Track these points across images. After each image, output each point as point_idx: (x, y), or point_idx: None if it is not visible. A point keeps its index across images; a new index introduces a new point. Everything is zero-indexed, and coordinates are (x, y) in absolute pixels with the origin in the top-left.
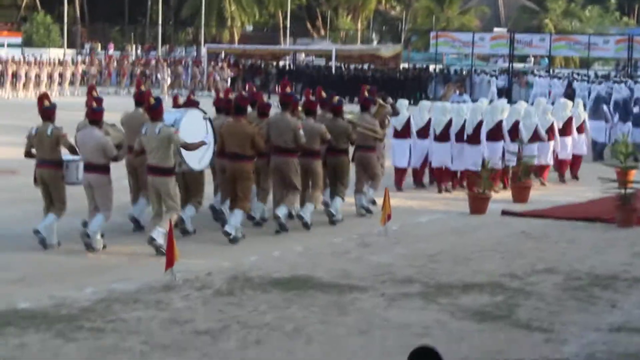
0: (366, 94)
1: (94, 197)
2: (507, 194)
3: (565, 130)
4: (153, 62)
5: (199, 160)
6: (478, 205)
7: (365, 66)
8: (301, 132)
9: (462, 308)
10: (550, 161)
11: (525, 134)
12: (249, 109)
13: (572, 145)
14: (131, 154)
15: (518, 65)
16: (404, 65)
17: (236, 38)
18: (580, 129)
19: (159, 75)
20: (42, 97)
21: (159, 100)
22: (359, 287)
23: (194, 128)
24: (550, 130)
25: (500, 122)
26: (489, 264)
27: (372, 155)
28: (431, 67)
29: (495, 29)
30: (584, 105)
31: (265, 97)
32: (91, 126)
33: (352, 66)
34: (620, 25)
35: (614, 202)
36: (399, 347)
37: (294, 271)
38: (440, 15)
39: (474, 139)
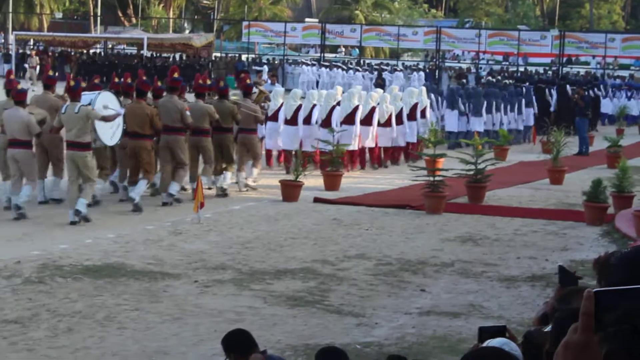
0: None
1: (18, 170)
2: (319, 182)
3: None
4: None
5: (110, 137)
6: (290, 192)
7: (177, 55)
8: (188, 112)
9: (275, 294)
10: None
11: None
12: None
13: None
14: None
15: (329, 56)
16: (216, 54)
17: (45, 25)
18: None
19: None
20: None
21: (77, 83)
22: (171, 274)
23: (108, 106)
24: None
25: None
26: (302, 251)
27: (254, 137)
28: (243, 57)
29: (307, 20)
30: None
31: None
32: (16, 106)
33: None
34: (429, 17)
35: (423, 190)
36: (212, 333)
37: (105, 259)
38: (252, 4)
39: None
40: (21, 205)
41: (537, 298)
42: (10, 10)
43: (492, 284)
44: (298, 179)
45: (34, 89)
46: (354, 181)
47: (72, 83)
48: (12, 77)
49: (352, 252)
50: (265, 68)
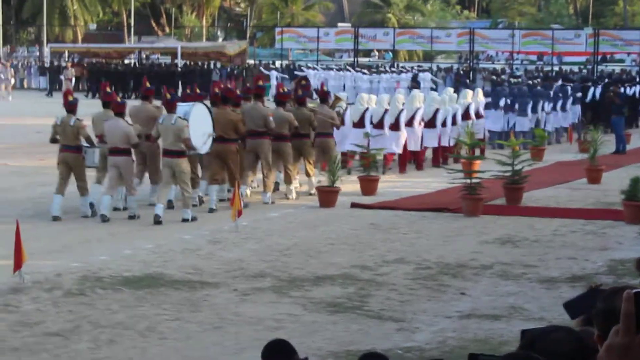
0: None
1: (117, 176)
2: (356, 187)
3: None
4: None
5: (202, 144)
6: (327, 198)
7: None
8: (271, 118)
9: (315, 300)
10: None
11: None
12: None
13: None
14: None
15: (363, 60)
16: (249, 61)
17: (79, 37)
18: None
19: (1, 75)
20: (67, 93)
21: (174, 96)
22: (211, 283)
23: (201, 118)
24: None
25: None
26: (340, 257)
27: (330, 140)
28: (277, 63)
29: (340, 24)
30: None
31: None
32: (116, 117)
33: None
34: (462, 18)
35: (460, 192)
36: (252, 341)
37: (145, 269)
38: (284, 11)
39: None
40: (106, 213)
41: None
42: (45, 22)
43: (532, 286)
44: (335, 185)
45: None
46: (391, 185)
47: (168, 96)
48: (108, 89)
49: (390, 256)
50: (274, 73)
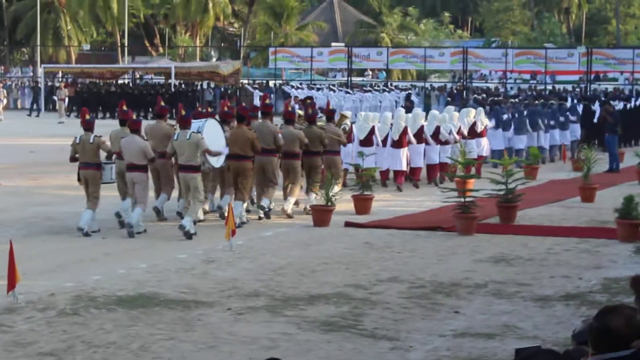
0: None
1: (134, 191)
2: (349, 206)
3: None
4: None
5: (217, 160)
6: (321, 217)
7: (205, 83)
8: (280, 136)
9: (309, 319)
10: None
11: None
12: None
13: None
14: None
15: (357, 79)
16: (243, 81)
17: (73, 57)
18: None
19: None
20: (84, 112)
21: (188, 112)
22: (205, 302)
23: (213, 133)
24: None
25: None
26: (334, 276)
27: (337, 158)
28: (271, 83)
29: (333, 44)
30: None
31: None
32: (132, 134)
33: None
34: (455, 37)
35: (454, 211)
36: None
37: (139, 289)
38: (278, 31)
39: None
40: (132, 224)
41: (571, 317)
42: (39, 43)
43: (526, 304)
44: (330, 203)
45: (62, 121)
46: (385, 204)
47: (183, 112)
48: (125, 108)
49: (384, 275)
50: (257, 92)
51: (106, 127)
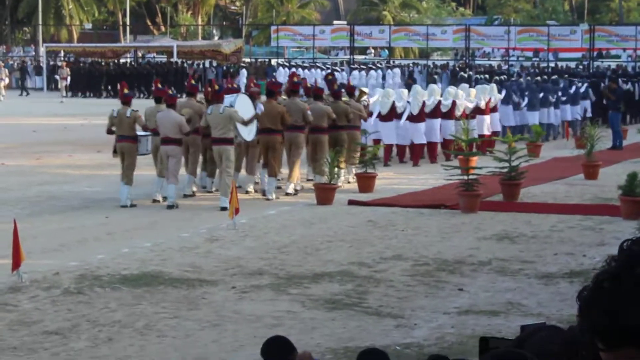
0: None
1: (167, 165)
2: (353, 184)
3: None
4: None
5: (248, 133)
6: (325, 195)
7: (207, 62)
8: (309, 112)
9: (313, 298)
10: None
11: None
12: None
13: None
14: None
15: (359, 57)
16: (245, 59)
17: (75, 37)
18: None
19: None
20: (122, 86)
21: (221, 87)
22: (209, 281)
23: (245, 107)
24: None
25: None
26: (338, 254)
27: (358, 133)
28: (273, 61)
29: (335, 22)
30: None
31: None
32: (168, 109)
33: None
34: (457, 15)
35: (457, 189)
36: (251, 339)
37: (143, 268)
38: (280, 9)
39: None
40: (172, 197)
41: (575, 294)
42: (40, 22)
43: (530, 282)
44: (332, 182)
45: (62, 101)
46: (388, 182)
47: (216, 87)
48: (159, 85)
49: (388, 253)
50: (244, 72)
51: (106, 106)
